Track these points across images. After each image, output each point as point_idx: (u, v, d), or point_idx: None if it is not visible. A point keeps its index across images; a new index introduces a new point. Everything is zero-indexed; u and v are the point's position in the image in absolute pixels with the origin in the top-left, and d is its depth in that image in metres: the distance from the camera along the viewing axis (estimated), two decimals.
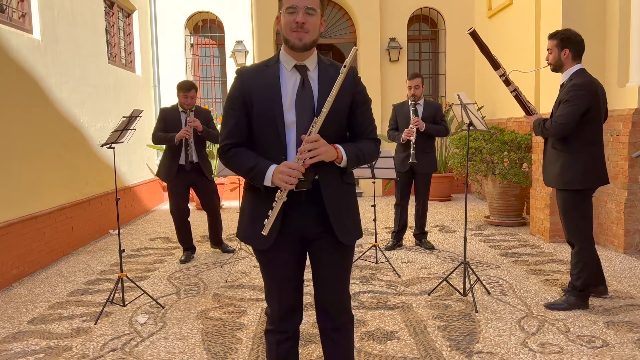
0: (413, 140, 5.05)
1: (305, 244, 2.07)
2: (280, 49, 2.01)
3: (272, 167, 1.90)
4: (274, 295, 2.09)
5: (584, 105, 3.42)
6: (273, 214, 1.90)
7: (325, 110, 1.88)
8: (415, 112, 5.19)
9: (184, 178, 5.06)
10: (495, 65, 3.65)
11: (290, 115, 1.94)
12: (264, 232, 1.92)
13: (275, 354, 2.14)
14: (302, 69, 1.97)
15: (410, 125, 5.10)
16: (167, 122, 5.01)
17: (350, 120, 2.05)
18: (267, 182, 1.91)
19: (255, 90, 1.95)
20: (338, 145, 1.96)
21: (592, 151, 3.52)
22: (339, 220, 1.99)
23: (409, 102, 5.23)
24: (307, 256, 2.12)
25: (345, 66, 1.90)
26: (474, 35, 3.64)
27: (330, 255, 2.05)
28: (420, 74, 5.42)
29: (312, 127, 1.88)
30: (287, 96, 1.95)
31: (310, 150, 1.86)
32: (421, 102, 5.29)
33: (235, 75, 2.04)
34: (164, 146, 5.24)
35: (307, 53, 1.96)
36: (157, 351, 3.12)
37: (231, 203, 8.75)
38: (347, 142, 2.06)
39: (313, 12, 1.89)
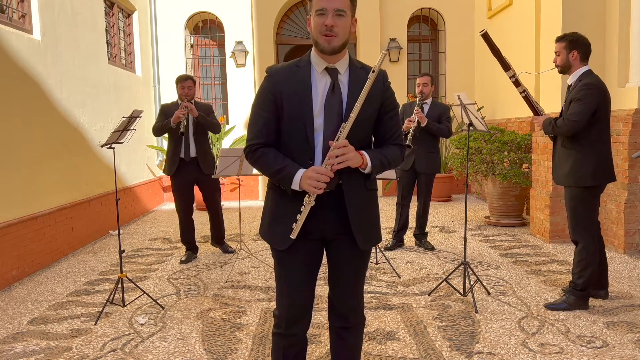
0: (412, 131, 5.05)
1: (324, 244, 2.09)
2: (311, 49, 2.01)
3: (300, 172, 1.91)
4: (285, 295, 2.08)
5: (595, 104, 3.50)
6: (301, 218, 1.92)
7: (353, 115, 1.88)
8: (421, 107, 5.25)
9: (186, 174, 5.07)
10: (506, 66, 3.70)
11: (319, 120, 1.94)
12: (292, 236, 1.94)
13: (282, 358, 2.14)
14: (332, 72, 1.96)
15: (413, 115, 5.13)
16: (167, 116, 5.03)
17: (377, 125, 2.05)
18: (295, 186, 1.92)
19: (286, 92, 1.95)
20: (364, 152, 1.97)
21: (601, 149, 3.59)
22: (360, 226, 2.01)
23: (417, 100, 5.28)
24: (323, 258, 2.13)
25: (373, 71, 1.90)
26: (486, 37, 3.68)
27: (348, 256, 2.08)
28: (431, 74, 5.48)
29: (340, 132, 1.89)
30: (317, 100, 1.95)
31: (337, 156, 1.87)
32: (428, 101, 5.35)
33: (265, 74, 2.02)
34: (166, 145, 5.24)
35: (338, 55, 1.96)
36: (157, 352, 3.12)
37: (231, 203, 8.73)
38: (373, 146, 2.07)
39: (343, 13, 1.88)
